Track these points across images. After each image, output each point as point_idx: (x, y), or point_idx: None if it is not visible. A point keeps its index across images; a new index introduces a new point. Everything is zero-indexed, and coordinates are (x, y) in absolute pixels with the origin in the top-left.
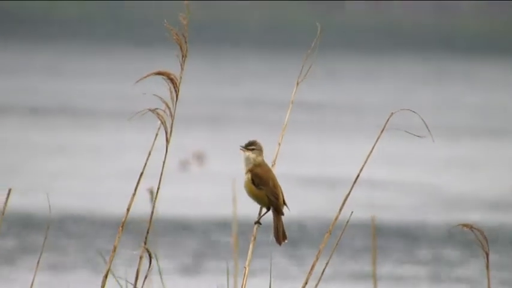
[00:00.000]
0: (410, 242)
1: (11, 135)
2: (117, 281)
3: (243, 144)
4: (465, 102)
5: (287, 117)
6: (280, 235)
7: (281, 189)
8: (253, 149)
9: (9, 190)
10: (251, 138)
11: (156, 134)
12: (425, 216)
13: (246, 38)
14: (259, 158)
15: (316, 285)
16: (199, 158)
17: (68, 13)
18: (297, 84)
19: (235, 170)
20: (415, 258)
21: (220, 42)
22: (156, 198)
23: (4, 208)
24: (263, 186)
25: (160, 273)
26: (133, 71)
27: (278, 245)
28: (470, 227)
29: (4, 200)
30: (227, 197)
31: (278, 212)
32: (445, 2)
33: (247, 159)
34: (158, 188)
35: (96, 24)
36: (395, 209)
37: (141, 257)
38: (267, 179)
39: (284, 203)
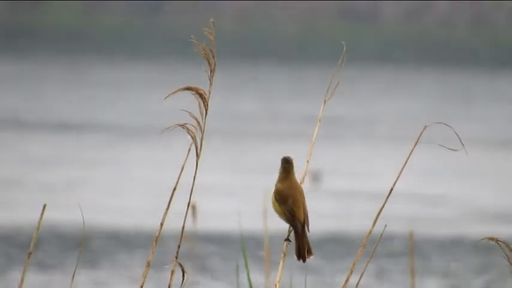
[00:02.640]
0: (446, 255)
1: (40, 150)
2: None
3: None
4: (495, 115)
5: (315, 135)
6: (302, 252)
7: (304, 208)
8: (286, 164)
9: (44, 206)
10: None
11: (189, 149)
12: (461, 229)
13: (274, 50)
14: (283, 175)
15: None
16: (315, 176)
17: (102, 26)
18: (324, 102)
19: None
20: (451, 270)
21: (247, 55)
22: (194, 213)
23: (39, 223)
24: (282, 203)
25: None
26: (162, 85)
27: (302, 262)
28: (495, 240)
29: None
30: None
31: (294, 230)
32: (482, 14)
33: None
34: (189, 203)
35: (128, 37)
36: (431, 222)
37: (172, 272)
38: (286, 196)
39: (305, 222)
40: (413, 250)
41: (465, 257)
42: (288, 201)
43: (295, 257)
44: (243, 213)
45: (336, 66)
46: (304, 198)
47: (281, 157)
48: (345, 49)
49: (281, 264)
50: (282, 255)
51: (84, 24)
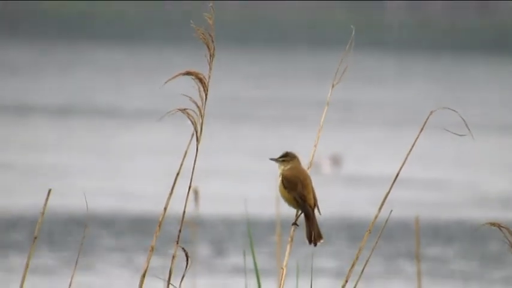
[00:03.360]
0: (446, 240)
1: (42, 135)
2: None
3: (276, 157)
4: (499, 100)
5: (322, 119)
6: (313, 236)
7: (313, 192)
8: (283, 160)
9: (49, 190)
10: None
11: (192, 134)
12: (464, 214)
13: (284, 36)
14: (288, 166)
15: (356, 284)
16: (336, 160)
17: (108, 12)
18: (332, 86)
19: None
20: (453, 255)
21: (258, 41)
22: (196, 198)
23: (44, 208)
24: (291, 189)
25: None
26: (162, 70)
27: (313, 246)
28: (497, 225)
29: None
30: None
31: (305, 214)
32: (487, 2)
33: (278, 168)
34: (190, 187)
35: (129, 23)
36: (434, 207)
37: (174, 256)
38: (295, 182)
39: (315, 206)
40: (418, 235)
41: (466, 242)
42: (298, 186)
43: (307, 241)
44: (251, 197)
45: (342, 52)
46: (312, 183)
47: (283, 153)
48: (353, 33)
49: (288, 248)
50: (289, 239)
51: (87, 10)
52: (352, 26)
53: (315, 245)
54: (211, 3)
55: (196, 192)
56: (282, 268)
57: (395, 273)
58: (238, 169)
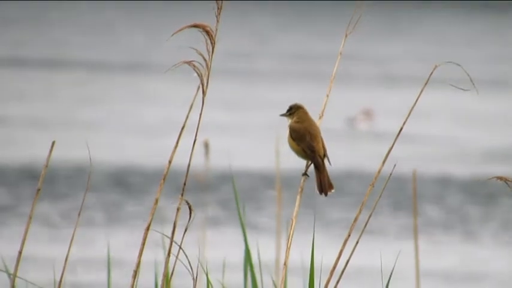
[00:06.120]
0: (443, 194)
1: (49, 89)
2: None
3: (284, 112)
4: (504, 58)
5: (335, 69)
6: (324, 186)
7: (322, 142)
8: (290, 114)
9: (53, 143)
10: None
11: (199, 87)
12: (457, 170)
13: None
14: (295, 118)
15: (358, 239)
16: (368, 115)
17: None
18: (346, 36)
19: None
20: (448, 210)
21: None
22: (207, 151)
23: (47, 161)
24: (300, 140)
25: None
26: (169, 24)
27: (324, 196)
28: (504, 179)
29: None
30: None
31: (315, 165)
32: None
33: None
34: (195, 141)
35: None
36: (431, 162)
37: (178, 209)
38: (303, 133)
39: (325, 156)
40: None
41: (466, 197)
42: (306, 137)
43: (317, 192)
44: (251, 151)
45: (345, 6)
46: (320, 133)
47: (290, 105)
48: None
49: (298, 199)
50: (300, 189)
51: None
52: None
53: (326, 195)
54: None
55: (206, 145)
56: (291, 219)
57: (390, 228)
58: (240, 123)
